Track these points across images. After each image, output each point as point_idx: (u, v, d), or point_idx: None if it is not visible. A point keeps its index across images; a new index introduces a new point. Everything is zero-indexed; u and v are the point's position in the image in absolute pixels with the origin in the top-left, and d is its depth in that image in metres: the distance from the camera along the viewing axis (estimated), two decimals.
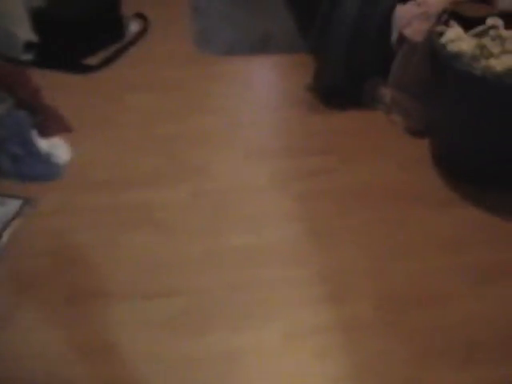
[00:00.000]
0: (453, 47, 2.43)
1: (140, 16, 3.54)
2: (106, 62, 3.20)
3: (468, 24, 2.55)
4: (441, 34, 2.54)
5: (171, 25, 3.58)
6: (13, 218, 2.41)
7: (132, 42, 3.39)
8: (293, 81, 3.18)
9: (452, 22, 2.57)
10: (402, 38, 2.76)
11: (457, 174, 2.61)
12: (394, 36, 2.80)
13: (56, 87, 2.89)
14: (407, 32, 2.71)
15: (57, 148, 2.71)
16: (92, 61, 3.23)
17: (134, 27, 3.49)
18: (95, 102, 2.96)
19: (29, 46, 3.11)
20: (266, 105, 3.03)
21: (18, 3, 3.08)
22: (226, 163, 2.65)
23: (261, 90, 3.14)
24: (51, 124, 2.78)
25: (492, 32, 2.46)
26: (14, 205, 2.47)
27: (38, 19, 3.11)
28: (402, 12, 2.74)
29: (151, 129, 2.82)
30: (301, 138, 2.83)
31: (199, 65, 3.25)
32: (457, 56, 2.40)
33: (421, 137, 2.85)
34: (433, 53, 2.54)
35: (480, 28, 2.49)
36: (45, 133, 2.75)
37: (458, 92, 2.49)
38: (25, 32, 3.08)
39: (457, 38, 2.46)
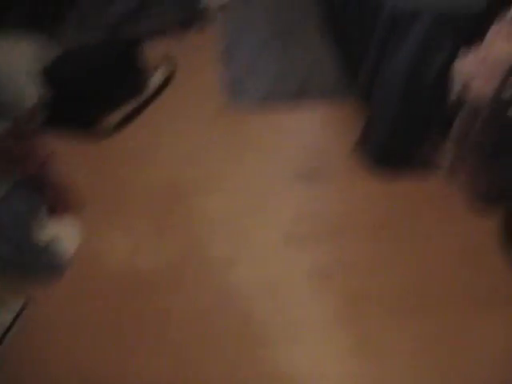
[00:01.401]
0: None
1: (167, 58, 3.18)
2: (123, 124, 2.85)
3: None
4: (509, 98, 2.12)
5: (199, 72, 3.21)
6: (13, 321, 2.08)
7: (154, 96, 3.03)
8: (335, 139, 2.78)
9: None
10: (463, 97, 2.34)
11: None
12: (455, 93, 2.38)
13: (66, 155, 2.57)
14: (470, 91, 2.28)
15: (65, 231, 2.36)
16: (107, 122, 2.86)
17: (157, 77, 3.13)
18: (109, 174, 2.61)
19: (38, 108, 2.77)
20: (303, 173, 2.63)
21: (25, 62, 2.75)
22: (260, 253, 2.25)
23: (299, 153, 2.74)
24: (59, 201, 2.45)
25: None
26: (14, 305, 2.15)
27: (47, 77, 2.77)
28: (463, 67, 2.31)
29: (171, 209, 2.44)
30: (344, 217, 2.42)
31: (228, 123, 2.88)
32: None
33: (489, 208, 2.42)
34: (504, 120, 2.12)
35: None
36: (52, 212, 2.41)
37: None
38: (33, 93, 2.75)
39: None
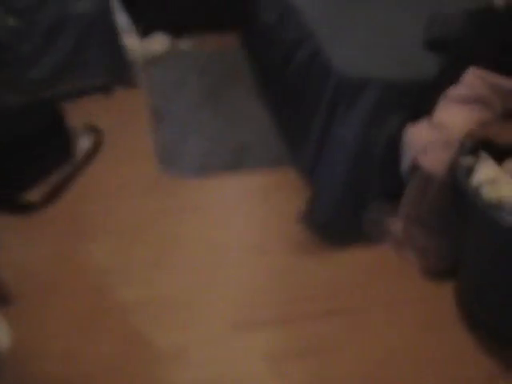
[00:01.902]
0: (489, 193, 1.92)
1: (92, 128, 2.96)
2: (51, 197, 2.61)
3: (502, 152, 2.05)
4: (468, 170, 2.03)
5: (130, 137, 3.01)
6: None
7: (83, 165, 2.81)
8: (279, 208, 2.63)
9: (482, 154, 2.05)
10: (415, 167, 2.24)
11: (495, 334, 2.08)
12: (406, 163, 2.28)
13: None
14: (423, 162, 2.19)
15: None
16: (32, 194, 2.62)
17: (84, 142, 2.91)
18: (38, 257, 2.37)
19: None
20: (248, 246, 2.47)
21: None
22: (209, 341, 2.06)
23: (241, 225, 2.58)
24: None
25: None
26: None
27: None
28: (415, 137, 2.22)
29: (106, 296, 2.23)
30: (295, 293, 2.29)
31: (164, 193, 2.69)
32: (495, 205, 1.89)
33: (442, 278, 2.32)
34: (459, 192, 2.03)
35: None
36: None
37: (494, 245, 1.98)
38: None
39: (493, 179, 1.95)
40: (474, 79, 2.13)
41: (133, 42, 3.55)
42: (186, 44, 3.72)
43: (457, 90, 2.15)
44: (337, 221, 2.47)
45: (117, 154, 2.90)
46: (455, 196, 2.10)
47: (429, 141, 2.17)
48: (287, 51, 2.70)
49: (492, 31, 2.30)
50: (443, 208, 2.25)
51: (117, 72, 3.37)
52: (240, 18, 3.65)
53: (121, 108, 3.20)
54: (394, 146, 2.28)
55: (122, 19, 3.49)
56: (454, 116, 2.14)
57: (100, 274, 2.32)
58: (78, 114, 3.02)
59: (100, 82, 3.31)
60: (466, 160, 2.06)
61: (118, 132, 3.02)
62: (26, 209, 2.58)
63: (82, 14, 3.13)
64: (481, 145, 2.08)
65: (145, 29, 3.65)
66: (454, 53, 2.24)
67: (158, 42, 3.67)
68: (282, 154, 2.86)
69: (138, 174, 2.79)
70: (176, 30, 3.72)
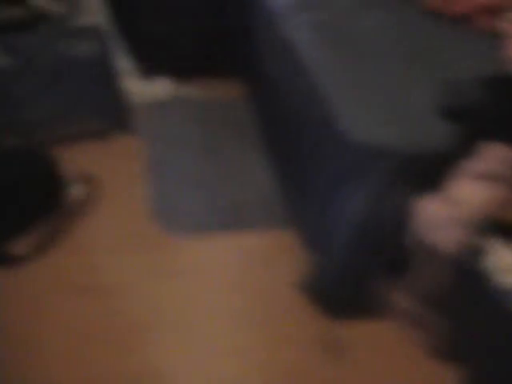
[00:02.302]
0: (505, 279, 1.78)
1: (86, 177, 2.83)
2: (38, 249, 2.47)
3: None
4: (483, 252, 1.90)
5: (125, 187, 2.88)
6: None
7: (74, 216, 2.67)
8: (278, 274, 2.49)
9: (499, 237, 1.92)
10: (424, 243, 2.11)
11: None
12: (414, 238, 2.15)
13: None
14: (434, 239, 2.05)
15: None
16: (20, 245, 2.48)
17: (76, 191, 2.77)
18: (16, 315, 2.21)
19: None
20: (243, 314, 2.34)
21: None
22: None
23: (236, 290, 2.44)
24: None
25: None
26: None
27: None
28: (425, 211, 2.09)
29: (82, 366, 2.07)
30: (293, 366, 2.15)
31: (156, 252, 2.55)
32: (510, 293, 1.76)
33: (447, 360, 2.17)
34: (470, 275, 1.89)
35: None
36: None
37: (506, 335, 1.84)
38: None
39: (508, 267, 1.82)
40: (492, 155, 2.01)
41: (134, 86, 3.45)
42: (188, 89, 3.60)
43: (473, 166, 2.03)
44: (339, 293, 2.34)
45: (110, 205, 2.77)
46: (466, 278, 1.97)
47: (441, 217, 2.05)
48: (295, 110, 2.58)
49: (510, 103, 2.19)
50: (453, 287, 2.12)
51: (115, 117, 3.25)
52: (244, 66, 3.55)
53: (117, 155, 3.07)
54: (402, 218, 2.14)
55: (123, 61, 3.38)
56: (469, 193, 2.02)
57: (82, 337, 2.16)
58: (71, 159, 2.88)
59: (97, 127, 3.20)
60: (481, 241, 1.93)
61: (113, 181, 2.89)
62: (9, 261, 2.43)
63: (81, 57, 3.01)
64: (497, 226, 1.95)
65: (147, 72, 3.54)
66: (470, 124, 2.12)
67: (161, 86, 3.56)
68: (282, 216, 2.72)
69: (130, 228, 2.66)
70: (179, 74, 3.60)
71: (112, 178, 2.89)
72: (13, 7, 2.96)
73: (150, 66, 3.52)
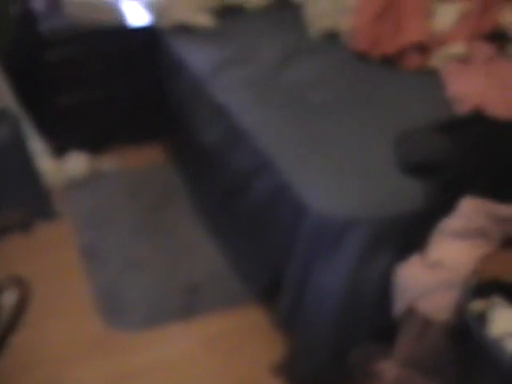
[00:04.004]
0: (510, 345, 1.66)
1: (14, 280, 2.50)
2: None
3: None
4: (480, 316, 1.77)
5: (61, 283, 2.59)
6: None
7: (9, 326, 2.34)
8: (249, 359, 2.28)
9: (494, 297, 1.80)
10: (412, 311, 1.96)
11: None
12: (400, 306, 2.00)
13: None
14: (422, 306, 1.91)
15: None
16: None
17: (8, 298, 2.44)
18: None
19: None
20: None
21: None
22: None
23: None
24: None
25: None
26: None
27: None
28: (409, 278, 1.94)
29: None
30: None
31: (108, 354, 2.30)
32: None
33: None
34: (471, 342, 1.76)
35: None
36: None
37: None
38: None
39: None
40: (469, 210, 1.89)
41: (47, 166, 3.15)
42: (107, 162, 3.34)
43: (452, 223, 1.91)
44: (323, 370, 2.15)
45: (49, 307, 2.47)
46: (464, 345, 1.83)
47: (426, 282, 1.90)
48: (239, 178, 2.39)
49: (473, 147, 2.10)
50: (443, 354, 1.98)
51: (33, 203, 2.95)
52: (167, 130, 3.33)
53: (45, 247, 2.78)
54: (385, 285, 1.99)
55: (34, 142, 3.09)
56: (453, 253, 1.89)
57: None
58: None
59: (16, 217, 2.87)
60: (476, 304, 1.80)
61: (47, 278, 2.59)
62: None
63: None
64: (489, 285, 1.82)
65: (60, 148, 3.26)
66: (439, 177, 2.00)
67: (76, 162, 3.27)
68: (242, 291, 2.51)
69: (75, 331, 2.39)
70: (95, 146, 3.33)
71: (45, 275, 2.59)
72: None
73: (64, 142, 3.23)
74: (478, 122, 2.28)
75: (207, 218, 2.85)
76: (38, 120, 3.14)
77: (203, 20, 3.15)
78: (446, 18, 2.80)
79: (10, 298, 2.40)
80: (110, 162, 3.34)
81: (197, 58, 2.90)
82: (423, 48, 2.78)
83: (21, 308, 2.41)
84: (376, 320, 2.07)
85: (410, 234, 1.96)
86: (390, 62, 2.80)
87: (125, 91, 3.31)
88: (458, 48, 2.75)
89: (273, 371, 2.19)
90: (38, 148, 3.12)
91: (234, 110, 2.50)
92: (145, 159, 3.37)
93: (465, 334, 1.80)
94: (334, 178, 2.04)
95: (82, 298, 2.51)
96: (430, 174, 2.05)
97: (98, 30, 3.19)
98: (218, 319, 2.43)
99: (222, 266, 2.62)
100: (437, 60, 2.77)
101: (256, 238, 2.39)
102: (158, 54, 3.22)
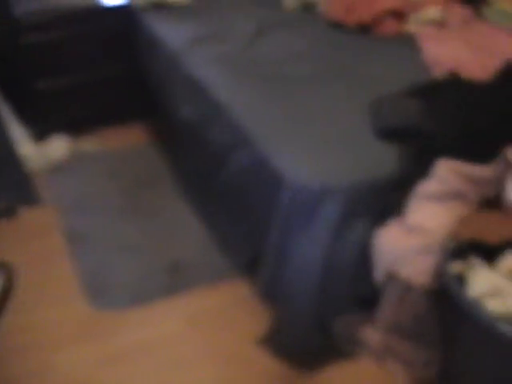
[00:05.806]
0: (492, 306, 1.67)
1: (0, 266, 2.52)
2: None
3: (491, 250, 1.82)
4: (459, 278, 1.78)
5: (47, 268, 2.59)
6: None
7: None
8: (235, 332, 2.29)
9: (472, 258, 1.81)
10: (392, 276, 1.97)
11: None
12: (380, 272, 2.00)
13: None
14: (402, 271, 1.92)
15: None
16: None
17: None
18: None
19: None
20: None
21: None
22: None
23: (195, 359, 2.22)
24: None
25: None
26: None
27: None
28: (388, 244, 1.95)
29: None
30: None
31: (100, 336, 2.30)
32: (503, 319, 1.64)
33: None
34: (451, 304, 1.77)
35: None
36: None
37: (501, 362, 1.73)
38: None
39: (493, 291, 1.70)
40: (445, 173, 1.89)
41: (28, 151, 3.14)
42: (88, 144, 3.33)
43: (429, 186, 1.91)
44: (306, 340, 2.16)
45: (35, 292, 2.48)
46: (445, 307, 1.84)
47: (405, 247, 1.91)
48: (218, 154, 2.38)
49: (448, 110, 2.09)
50: (426, 317, 1.99)
51: (17, 189, 2.94)
52: (148, 109, 3.32)
53: (29, 233, 2.77)
54: (364, 252, 1.99)
55: (14, 127, 3.08)
56: (430, 216, 1.89)
57: None
58: None
59: (1, 205, 2.88)
60: (455, 266, 1.81)
61: (33, 264, 2.59)
62: None
63: None
64: (467, 246, 1.83)
65: (41, 132, 3.24)
66: (414, 142, 2.00)
67: (57, 146, 3.27)
68: (227, 266, 2.52)
69: (63, 315, 2.39)
70: (76, 129, 3.32)
71: (30, 260, 2.59)
72: None
73: (44, 126, 3.22)
74: (453, 86, 2.27)
75: (190, 196, 2.85)
76: (17, 105, 3.12)
77: None
78: None
79: None
80: (91, 144, 3.33)
81: (173, 34, 2.89)
82: (399, 14, 2.77)
83: (7, 292, 2.43)
84: (357, 288, 2.07)
85: (387, 200, 1.96)
86: (366, 29, 2.79)
87: (104, 72, 3.30)
88: (433, 12, 2.74)
89: (259, 344, 2.19)
90: (19, 133, 3.10)
91: (210, 85, 2.48)
92: (127, 140, 3.36)
93: (445, 295, 1.80)
94: (309, 149, 2.03)
95: (69, 282, 2.51)
96: (405, 138, 2.04)
97: (73, 12, 3.16)
98: (203, 295, 2.44)
99: (206, 243, 2.62)
100: (413, 25, 2.76)
101: (238, 212, 2.39)
102: (134, 33, 3.20)
